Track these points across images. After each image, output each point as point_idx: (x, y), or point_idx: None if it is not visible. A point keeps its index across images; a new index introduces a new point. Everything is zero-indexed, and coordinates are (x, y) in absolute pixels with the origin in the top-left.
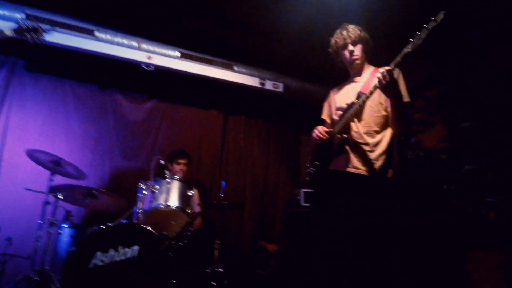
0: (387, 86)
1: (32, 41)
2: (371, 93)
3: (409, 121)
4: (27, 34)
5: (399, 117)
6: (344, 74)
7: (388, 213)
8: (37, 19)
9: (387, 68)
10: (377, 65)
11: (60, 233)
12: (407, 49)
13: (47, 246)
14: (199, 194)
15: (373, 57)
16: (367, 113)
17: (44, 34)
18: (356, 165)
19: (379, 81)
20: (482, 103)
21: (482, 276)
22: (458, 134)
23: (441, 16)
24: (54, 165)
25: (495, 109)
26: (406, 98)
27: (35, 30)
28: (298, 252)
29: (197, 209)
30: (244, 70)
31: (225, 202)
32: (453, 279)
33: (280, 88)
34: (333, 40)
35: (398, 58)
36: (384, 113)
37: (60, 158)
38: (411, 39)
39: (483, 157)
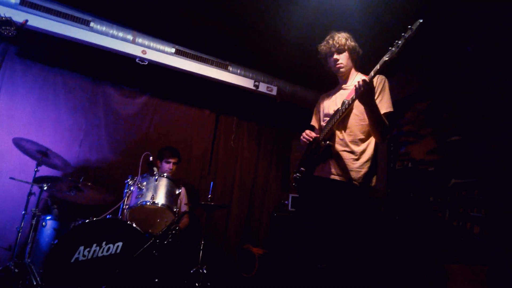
0: (362, 96)
1: (5, 33)
2: (353, 100)
3: (388, 131)
4: None
5: (375, 127)
6: (336, 79)
7: (369, 222)
8: (32, 5)
9: (363, 78)
10: (368, 72)
11: (43, 225)
12: (385, 57)
13: (29, 238)
14: (187, 193)
15: (372, 63)
16: (352, 121)
17: (15, 31)
18: (340, 173)
19: (355, 90)
20: (473, 117)
21: None
22: (447, 148)
23: (417, 24)
24: (41, 155)
25: (485, 124)
26: (388, 108)
27: (8, 23)
28: (282, 256)
29: (184, 208)
30: (239, 71)
31: (213, 203)
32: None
33: (274, 91)
34: (320, 48)
35: (378, 66)
36: None
37: (47, 149)
38: (390, 47)
39: (471, 172)
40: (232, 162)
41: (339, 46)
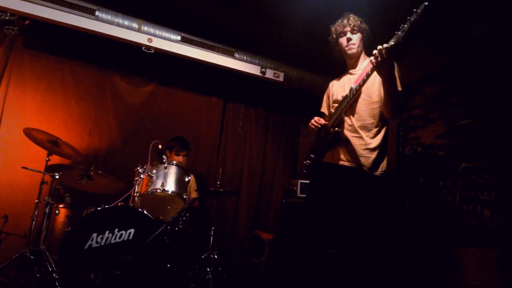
0: (381, 65)
1: (8, 33)
2: (360, 86)
3: (403, 108)
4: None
5: (391, 101)
6: (344, 65)
7: (379, 207)
8: None
9: (385, 45)
10: None
11: (56, 213)
12: (391, 41)
13: (43, 225)
14: (196, 180)
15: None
16: (360, 106)
17: (18, 31)
18: (350, 159)
19: (375, 57)
20: (483, 101)
21: (475, 273)
22: (457, 132)
23: (422, 7)
24: (52, 145)
25: (495, 107)
26: (399, 87)
27: (11, 23)
28: (292, 242)
29: (194, 195)
30: (245, 57)
31: (222, 190)
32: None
33: (281, 77)
34: (333, 28)
35: None
36: (378, 104)
37: (58, 138)
38: (396, 32)
39: (481, 156)
40: (241, 149)
41: (353, 26)
